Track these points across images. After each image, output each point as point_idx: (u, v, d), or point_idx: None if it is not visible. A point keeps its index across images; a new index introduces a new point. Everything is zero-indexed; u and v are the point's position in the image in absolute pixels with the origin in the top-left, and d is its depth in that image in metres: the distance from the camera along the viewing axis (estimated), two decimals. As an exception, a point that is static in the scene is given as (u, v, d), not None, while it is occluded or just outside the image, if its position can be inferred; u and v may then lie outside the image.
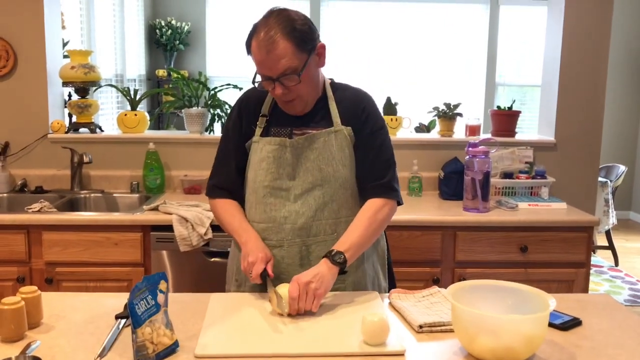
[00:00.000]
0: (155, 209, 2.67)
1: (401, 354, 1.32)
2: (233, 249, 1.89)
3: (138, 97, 3.30)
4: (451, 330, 1.42)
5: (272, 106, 1.78)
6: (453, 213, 2.74)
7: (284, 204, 1.71)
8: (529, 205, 2.86)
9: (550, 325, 1.44)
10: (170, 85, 5.28)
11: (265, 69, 1.61)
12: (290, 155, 1.71)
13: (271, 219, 1.71)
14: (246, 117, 1.79)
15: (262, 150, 1.74)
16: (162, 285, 1.32)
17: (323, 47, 1.69)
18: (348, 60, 6.72)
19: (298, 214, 1.70)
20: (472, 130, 3.31)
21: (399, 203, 1.80)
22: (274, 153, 1.72)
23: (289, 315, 1.51)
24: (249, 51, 1.65)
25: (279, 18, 1.60)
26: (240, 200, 1.82)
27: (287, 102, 1.69)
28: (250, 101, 1.80)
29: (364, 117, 1.75)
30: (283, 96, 1.65)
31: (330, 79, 1.81)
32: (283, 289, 1.52)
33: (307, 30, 1.63)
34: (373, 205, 1.73)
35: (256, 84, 1.69)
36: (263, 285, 1.64)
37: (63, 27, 3.58)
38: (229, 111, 3.24)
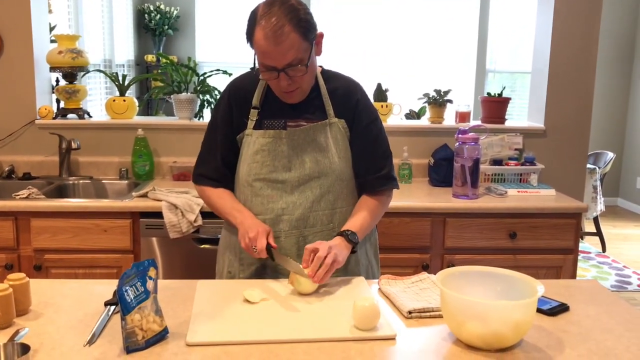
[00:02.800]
0: (145, 195, 2.66)
1: (392, 339, 1.33)
2: (223, 242, 1.87)
3: (127, 82, 3.27)
4: (440, 316, 1.42)
5: (263, 97, 1.75)
6: (442, 199, 2.74)
7: (281, 195, 1.71)
8: (518, 191, 2.88)
9: (538, 310, 1.45)
10: (159, 71, 5.22)
11: (271, 59, 1.57)
12: (286, 147, 1.70)
13: (269, 211, 1.71)
14: (237, 108, 1.76)
15: (255, 143, 1.72)
16: (152, 272, 1.31)
17: (321, 35, 1.68)
18: (339, 47, 6.68)
19: (295, 205, 1.70)
20: (462, 117, 3.32)
21: (397, 187, 1.84)
22: (269, 145, 1.71)
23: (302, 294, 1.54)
24: (250, 40, 1.59)
25: (284, 7, 1.55)
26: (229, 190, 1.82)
27: (287, 92, 1.66)
28: (240, 91, 1.76)
29: (358, 109, 1.76)
30: (287, 87, 1.62)
31: (320, 66, 1.79)
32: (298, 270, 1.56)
33: (310, 19, 1.60)
34: (374, 197, 1.78)
35: (260, 76, 1.65)
36: (258, 269, 1.65)
37: (50, 12, 3.53)
38: (218, 98, 3.23)
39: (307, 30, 1.58)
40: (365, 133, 1.76)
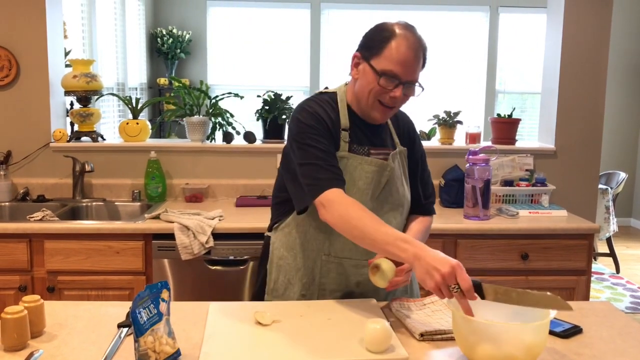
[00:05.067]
0: (157, 217, 2.68)
1: (403, 362, 1.32)
2: (276, 260, 1.77)
3: (139, 105, 3.32)
4: (452, 339, 1.42)
5: (350, 120, 1.72)
6: (454, 221, 2.74)
7: None
8: (530, 212, 2.87)
9: (551, 333, 1.44)
10: (172, 94, 5.29)
11: (403, 69, 1.61)
12: (387, 178, 1.73)
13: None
14: (327, 127, 1.66)
15: (357, 169, 1.68)
16: (165, 294, 1.32)
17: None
18: (348, 67, 6.73)
19: None
20: (473, 138, 3.33)
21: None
22: (373, 174, 1.70)
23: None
24: (379, 50, 1.61)
25: (419, 35, 1.66)
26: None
27: (385, 110, 1.68)
28: (322, 111, 1.68)
29: (415, 137, 1.87)
30: (398, 101, 1.66)
31: None
32: (385, 264, 1.52)
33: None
34: (426, 219, 1.88)
35: (379, 82, 1.62)
36: (341, 291, 1.73)
37: (65, 37, 3.59)
38: (231, 121, 3.26)
39: (425, 63, 1.69)
40: (421, 161, 1.87)
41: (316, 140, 1.62)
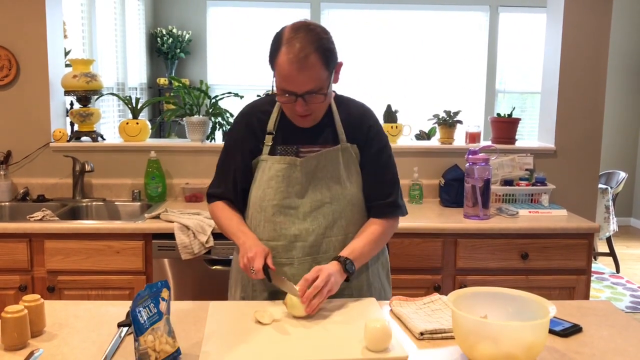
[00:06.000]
0: (157, 217, 2.68)
1: (403, 361, 1.32)
2: (235, 265, 1.87)
3: (139, 105, 3.32)
4: (452, 338, 1.42)
5: (277, 123, 1.76)
6: (454, 220, 2.74)
7: (294, 222, 1.71)
8: (530, 212, 2.87)
9: (551, 332, 1.44)
10: (172, 94, 5.30)
11: (291, 84, 1.58)
12: (300, 174, 1.71)
13: (281, 237, 1.71)
14: (251, 133, 1.77)
15: (270, 169, 1.73)
16: (165, 293, 1.32)
17: (341, 65, 1.69)
18: (348, 67, 6.74)
19: (308, 232, 1.70)
20: (472, 137, 3.33)
21: (403, 214, 1.84)
22: (284, 172, 1.71)
23: (295, 317, 1.53)
24: (272, 62, 1.61)
25: (310, 35, 1.56)
26: (238, 211, 1.83)
27: (301, 116, 1.67)
28: (255, 117, 1.78)
29: (370, 135, 1.77)
30: (302, 112, 1.64)
31: (333, 91, 1.80)
32: (288, 299, 1.56)
33: (333, 49, 1.63)
34: (379, 222, 1.77)
35: (277, 98, 1.67)
36: (272, 293, 1.67)
37: (65, 37, 3.59)
38: (231, 121, 3.26)
39: (329, 60, 1.60)
40: (375, 158, 1.78)
41: (230, 146, 1.82)
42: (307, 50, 1.54)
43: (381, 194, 1.78)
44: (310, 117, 1.69)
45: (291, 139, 1.74)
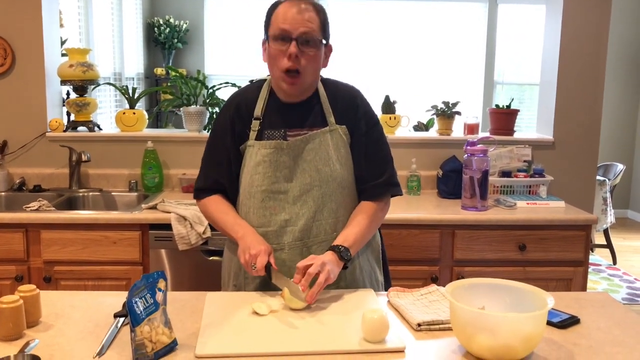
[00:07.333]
0: (154, 207, 2.67)
1: (401, 351, 1.32)
2: (227, 254, 1.87)
3: (136, 95, 3.30)
4: (449, 329, 1.42)
5: (264, 108, 1.75)
6: (451, 211, 2.74)
7: (283, 206, 1.70)
8: (527, 203, 2.87)
9: (549, 323, 1.44)
10: (169, 84, 5.27)
11: (289, 23, 1.62)
12: (287, 158, 1.70)
13: (272, 223, 1.70)
14: (239, 120, 1.76)
15: (257, 154, 1.71)
16: (161, 284, 1.32)
17: (330, 49, 1.74)
18: (347, 58, 6.71)
19: (298, 216, 1.69)
20: (471, 128, 3.32)
21: (400, 193, 1.83)
22: (270, 156, 1.70)
23: (291, 309, 1.52)
24: (270, 15, 1.67)
25: (311, 0, 1.66)
26: (229, 202, 1.82)
27: (291, 77, 1.65)
28: (241, 103, 1.77)
29: (358, 115, 1.76)
30: (293, 64, 1.62)
31: (320, 75, 1.80)
32: (285, 293, 1.55)
33: (328, 25, 1.71)
34: (373, 203, 1.76)
35: (269, 49, 1.67)
36: (264, 280, 1.66)
37: (61, 26, 3.57)
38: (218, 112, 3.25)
39: (325, 27, 1.68)
40: (365, 138, 1.76)
41: (218, 135, 1.79)
42: (308, 5, 1.64)
43: (374, 173, 1.76)
44: (299, 80, 1.66)
45: (278, 123, 1.73)
